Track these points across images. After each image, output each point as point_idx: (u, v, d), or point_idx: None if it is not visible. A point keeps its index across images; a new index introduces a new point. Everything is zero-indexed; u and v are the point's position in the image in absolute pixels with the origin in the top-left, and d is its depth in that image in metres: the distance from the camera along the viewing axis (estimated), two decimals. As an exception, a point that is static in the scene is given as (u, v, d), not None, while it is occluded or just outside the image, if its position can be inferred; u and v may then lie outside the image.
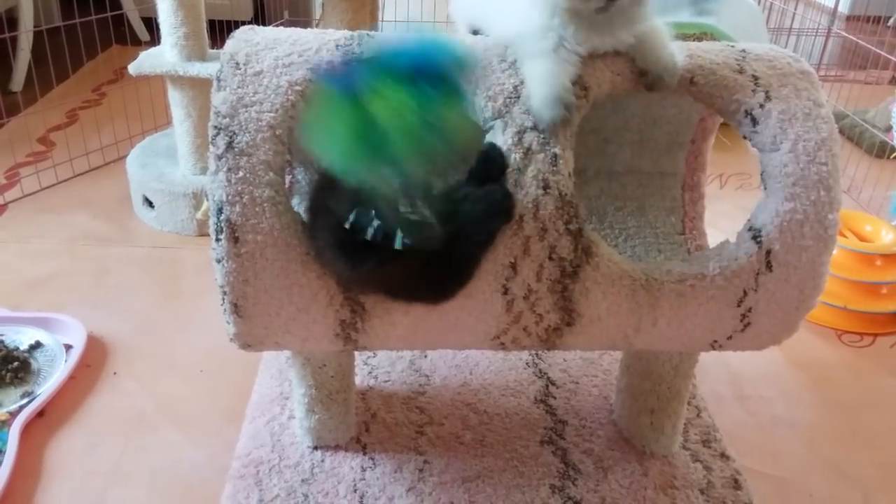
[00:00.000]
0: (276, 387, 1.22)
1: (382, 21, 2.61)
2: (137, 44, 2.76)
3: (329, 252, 0.79)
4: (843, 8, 3.27)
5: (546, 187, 0.82)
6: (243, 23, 2.79)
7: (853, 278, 1.45)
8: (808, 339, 1.44)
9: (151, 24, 1.64)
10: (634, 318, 0.88)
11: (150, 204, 1.71)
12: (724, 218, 1.56)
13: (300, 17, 2.92)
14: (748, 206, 0.89)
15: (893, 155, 1.86)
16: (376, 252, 0.73)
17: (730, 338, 0.91)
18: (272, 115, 0.83)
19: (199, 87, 1.63)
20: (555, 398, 1.23)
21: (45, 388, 1.20)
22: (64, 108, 2.28)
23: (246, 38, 0.90)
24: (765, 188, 0.87)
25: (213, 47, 1.69)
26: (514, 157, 0.83)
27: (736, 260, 0.86)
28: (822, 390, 1.32)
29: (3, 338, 1.29)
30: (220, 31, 2.36)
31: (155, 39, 1.64)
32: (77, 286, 1.50)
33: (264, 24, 2.79)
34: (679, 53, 0.86)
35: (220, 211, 0.81)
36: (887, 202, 1.74)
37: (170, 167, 1.74)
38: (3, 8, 2.39)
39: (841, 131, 2.31)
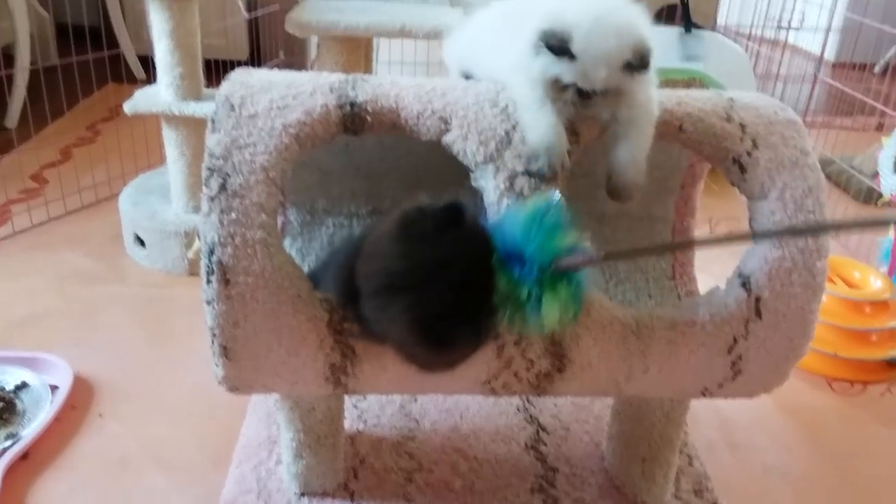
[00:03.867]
0: (265, 430, 1.21)
1: (377, 62, 2.65)
2: (133, 82, 2.78)
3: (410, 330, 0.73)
4: (830, 55, 3.33)
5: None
6: (239, 62, 2.83)
7: (843, 325, 1.45)
8: (798, 386, 1.44)
9: (148, 63, 1.65)
10: (625, 365, 0.88)
11: (142, 242, 1.70)
12: (714, 262, 1.57)
13: (295, 58, 2.96)
14: (738, 252, 0.89)
15: (880, 201, 1.88)
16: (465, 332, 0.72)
17: (721, 385, 0.91)
18: (266, 157, 0.83)
19: (194, 127, 1.64)
20: (546, 444, 1.21)
21: (30, 429, 1.18)
22: (58, 145, 2.29)
23: (241, 81, 0.90)
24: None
25: (208, 86, 1.71)
26: (506, 203, 0.83)
27: (726, 307, 0.86)
28: (813, 439, 1.31)
29: (-12, 378, 1.27)
30: (215, 70, 2.39)
31: (151, 78, 1.66)
32: (66, 325, 1.49)
33: (260, 63, 2.84)
34: (640, 171, 0.85)
35: (211, 252, 0.81)
36: (875, 248, 1.75)
37: (162, 206, 1.74)
38: (0, 45, 2.41)
39: (828, 177, 2.34)
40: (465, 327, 0.72)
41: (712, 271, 1.41)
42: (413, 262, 0.71)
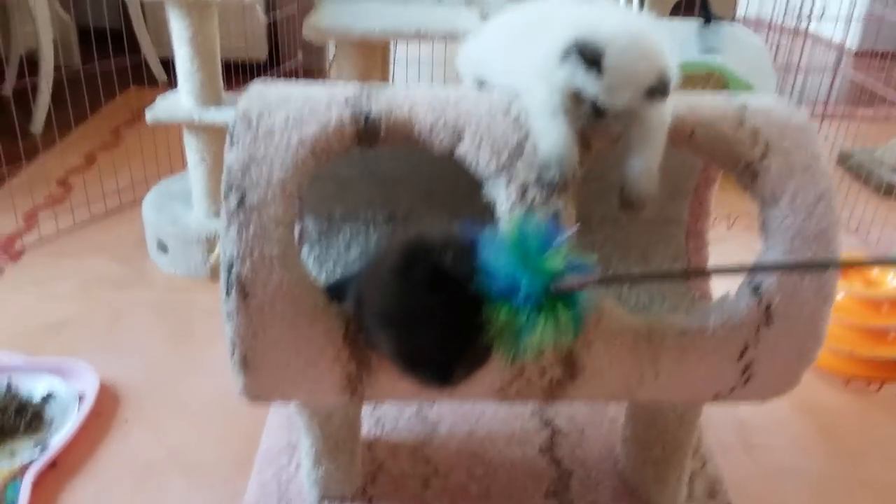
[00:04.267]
0: (285, 436, 1.23)
1: (394, 62, 2.66)
2: (155, 85, 2.82)
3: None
4: (852, 44, 3.29)
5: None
6: (258, 63, 2.84)
7: (860, 323, 1.44)
8: (814, 385, 1.43)
9: (169, 66, 1.68)
10: (637, 371, 0.89)
11: (165, 248, 1.73)
12: (731, 258, 1.57)
13: (314, 58, 2.98)
14: (756, 249, 0.90)
15: (901, 196, 1.87)
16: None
17: (732, 390, 0.92)
18: (283, 172, 0.85)
19: (214, 133, 1.66)
20: (560, 447, 1.23)
21: (58, 438, 1.21)
22: (82, 150, 2.33)
23: (258, 95, 0.92)
24: (765, 241, 0.88)
25: (228, 87, 1.73)
26: (518, 213, 0.84)
27: (736, 313, 0.86)
28: (829, 439, 1.31)
29: (17, 388, 1.31)
30: (234, 71, 2.42)
31: (172, 80, 1.68)
32: (91, 331, 1.52)
33: (278, 64, 2.86)
34: (653, 182, 0.86)
35: (230, 267, 0.83)
36: (895, 244, 1.74)
37: (184, 211, 1.77)
38: (24, 50, 2.46)
39: (849, 170, 2.32)
40: (448, 368, 0.75)
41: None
42: (407, 303, 0.74)
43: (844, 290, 1.48)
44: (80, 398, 1.30)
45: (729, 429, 1.31)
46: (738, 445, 1.28)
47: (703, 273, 1.03)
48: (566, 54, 0.80)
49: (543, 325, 0.71)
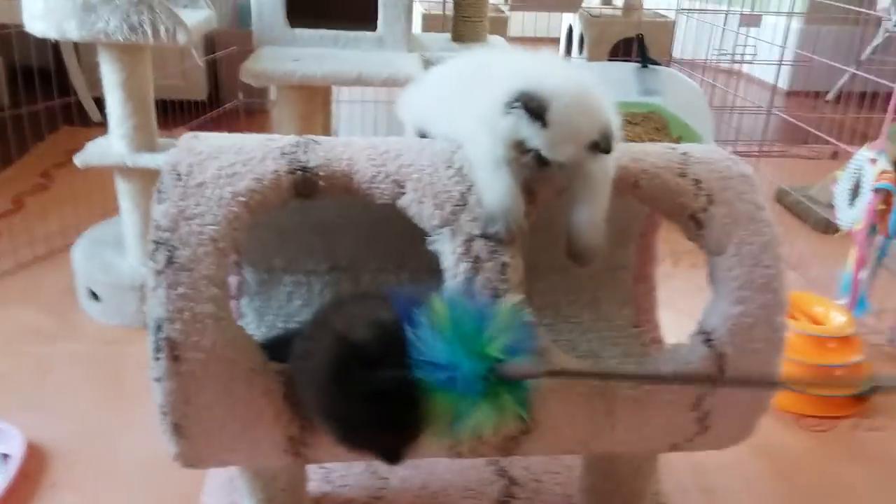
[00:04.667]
0: (226, 497, 1.16)
1: (337, 103, 2.64)
2: (88, 125, 2.73)
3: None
4: (784, 84, 3.40)
5: (496, 297, 0.81)
6: (197, 103, 2.78)
7: (808, 361, 1.45)
8: (768, 424, 1.40)
9: (103, 105, 1.62)
10: (591, 425, 0.87)
11: (96, 297, 1.65)
12: (680, 297, 1.57)
13: (255, 99, 2.93)
14: (703, 285, 0.89)
15: (838, 233, 1.91)
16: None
17: (690, 440, 0.90)
18: (215, 227, 0.81)
19: (149, 178, 1.60)
20: (517, 498, 1.19)
21: (-24, 505, 1.13)
22: (9, 194, 2.23)
23: (189, 147, 0.88)
24: (714, 290, 0.87)
25: (165, 129, 1.67)
26: (463, 266, 0.82)
27: (689, 364, 0.85)
28: (786, 480, 1.31)
29: (-68, 451, 1.22)
30: (172, 111, 2.36)
31: (106, 121, 1.62)
32: (17, 388, 1.43)
33: (219, 103, 2.80)
34: (599, 234, 0.85)
35: (158, 328, 0.78)
36: (835, 280, 1.77)
37: (117, 258, 1.70)
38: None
39: (787, 208, 2.37)
40: (393, 452, 0.74)
41: (678, 306, 1.41)
42: (342, 409, 0.73)
43: (792, 329, 1.49)
44: (6, 458, 1.22)
45: (685, 472, 1.29)
46: (695, 489, 1.26)
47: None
48: (511, 105, 0.79)
49: (484, 411, 0.68)
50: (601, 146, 0.80)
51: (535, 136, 0.79)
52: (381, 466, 1.24)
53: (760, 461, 1.34)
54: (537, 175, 0.83)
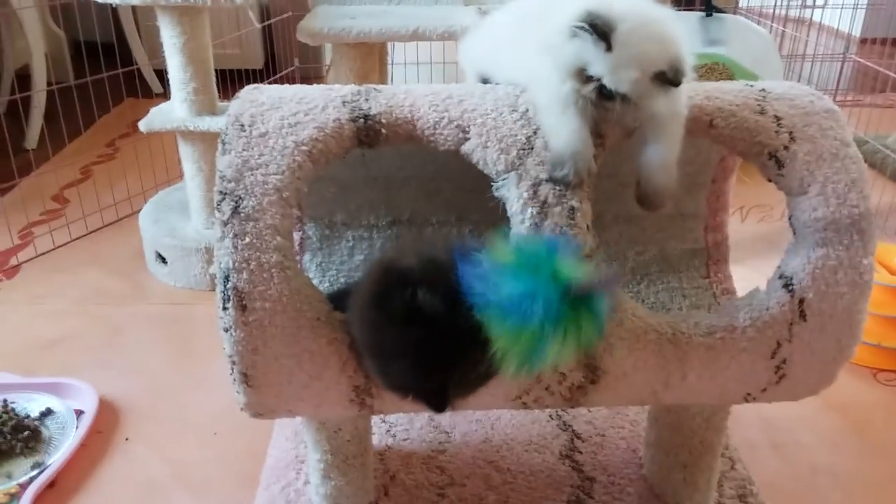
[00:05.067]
0: (292, 449, 1.18)
1: (392, 64, 2.62)
2: (150, 96, 2.78)
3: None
4: (856, 31, 3.23)
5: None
6: (254, 71, 2.80)
7: (886, 314, 1.39)
8: (843, 379, 1.35)
9: (164, 76, 1.64)
10: (662, 374, 0.84)
11: (163, 260, 1.69)
12: (747, 252, 1.52)
13: (310, 64, 2.94)
14: (772, 240, 0.85)
15: (919, 182, 1.81)
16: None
17: (764, 390, 0.87)
18: (279, 177, 0.80)
19: (210, 141, 1.62)
20: (581, 453, 1.18)
21: (56, 457, 1.17)
22: (77, 164, 2.29)
23: (251, 99, 0.88)
24: (794, 233, 0.83)
25: (224, 98, 1.68)
26: (530, 211, 0.79)
27: (768, 310, 0.81)
28: (860, 434, 1.26)
29: (13, 406, 1.26)
30: (230, 81, 2.37)
31: (168, 91, 1.64)
32: (89, 347, 1.48)
33: (275, 72, 2.82)
34: (671, 176, 0.81)
35: (226, 279, 0.78)
36: (916, 232, 1.69)
37: (182, 222, 1.73)
38: (16, 66, 2.42)
39: (863, 158, 2.27)
40: (439, 396, 0.72)
41: (749, 264, 1.36)
42: (383, 337, 0.72)
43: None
44: (79, 415, 1.26)
45: (755, 427, 1.26)
46: (765, 444, 1.23)
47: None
48: (576, 27, 0.75)
49: (564, 334, 0.66)
50: (669, 77, 0.75)
51: (597, 61, 0.75)
52: (443, 420, 1.24)
53: (833, 416, 1.30)
54: (602, 113, 0.79)
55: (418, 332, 0.69)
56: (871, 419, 1.30)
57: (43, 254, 1.82)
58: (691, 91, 0.85)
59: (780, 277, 0.82)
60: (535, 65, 0.83)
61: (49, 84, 2.30)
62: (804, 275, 0.80)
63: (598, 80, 0.76)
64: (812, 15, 2.94)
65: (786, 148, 0.83)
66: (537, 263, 0.67)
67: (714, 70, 2.19)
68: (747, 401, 0.89)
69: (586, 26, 0.74)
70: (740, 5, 2.93)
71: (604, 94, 0.77)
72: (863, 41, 3.44)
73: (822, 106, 0.86)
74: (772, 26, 2.74)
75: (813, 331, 0.81)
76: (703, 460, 1.04)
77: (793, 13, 2.99)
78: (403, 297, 0.68)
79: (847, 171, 0.81)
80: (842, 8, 2.70)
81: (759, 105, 0.85)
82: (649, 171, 0.81)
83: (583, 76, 0.77)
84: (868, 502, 1.13)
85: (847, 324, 0.81)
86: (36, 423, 1.23)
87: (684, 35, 0.78)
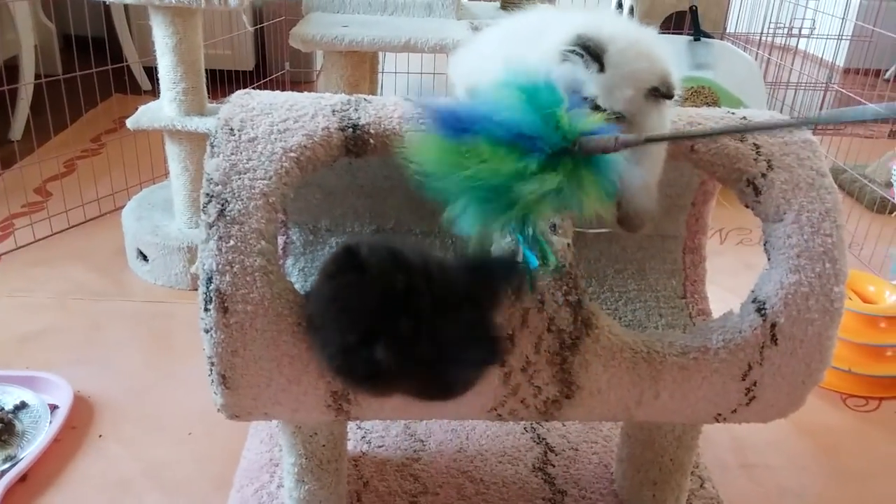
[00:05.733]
0: (266, 452, 1.18)
1: (383, 73, 2.63)
2: (138, 93, 2.77)
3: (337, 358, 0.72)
4: (840, 61, 3.29)
5: (544, 258, 0.80)
6: (245, 73, 2.80)
7: (857, 341, 1.42)
8: (812, 403, 1.39)
9: (153, 74, 1.64)
10: (636, 391, 0.85)
11: (145, 257, 1.69)
12: (725, 275, 1.54)
13: (301, 69, 2.94)
14: (749, 262, 0.87)
15: (894, 213, 1.85)
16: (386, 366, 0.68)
17: (734, 411, 0.89)
18: (265, 182, 0.81)
19: (197, 142, 1.62)
20: (553, 466, 1.19)
21: (29, 451, 1.16)
22: (62, 157, 2.28)
23: (241, 103, 0.88)
24: (769, 258, 0.85)
25: (214, 98, 1.69)
26: (512, 226, 0.81)
27: (740, 333, 0.83)
28: (828, 458, 1.28)
29: (-13, 399, 1.26)
30: (221, 81, 2.38)
31: (156, 89, 1.65)
32: (67, 342, 1.47)
33: (266, 74, 2.82)
34: (652, 198, 0.82)
35: (209, 280, 0.79)
36: (889, 260, 1.72)
37: (165, 220, 1.73)
38: (4, 57, 2.40)
39: (840, 186, 2.30)
40: (370, 360, 0.68)
41: (723, 284, 1.38)
42: (318, 297, 0.74)
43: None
44: (53, 410, 1.25)
45: (726, 447, 1.28)
46: (735, 465, 1.25)
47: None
48: (567, 50, 0.77)
49: (570, 188, 0.65)
50: (661, 92, 0.77)
51: (591, 83, 0.76)
52: (418, 428, 1.25)
53: (803, 439, 1.32)
54: None
55: (350, 278, 0.68)
56: (839, 443, 1.32)
57: (23, 246, 1.81)
58: (675, 115, 0.87)
59: (754, 301, 0.84)
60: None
61: (37, 76, 2.29)
62: (777, 300, 0.82)
63: (593, 100, 0.78)
64: (798, 43, 2.99)
65: (763, 175, 0.85)
66: (546, 109, 0.66)
67: (700, 93, 2.22)
68: (718, 421, 0.91)
69: (578, 49, 0.76)
70: (727, 31, 2.97)
71: (598, 112, 0.78)
72: (846, 71, 3.51)
73: (800, 136, 0.88)
74: (757, 53, 2.79)
75: (784, 355, 0.83)
76: (673, 478, 1.05)
77: (779, 41, 3.04)
78: (346, 258, 0.70)
79: (822, 201, 0.83)
80: (826, 38, 2.75)
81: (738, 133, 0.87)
82: (631, 193, 0.82)
83: (577, 96, 0.78)
84: (833, 525, 1.15)
85: (817, 349, 0.83)
86: (10, 416, 1.23)
87: (671, 53, 0.80)
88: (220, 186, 0.80)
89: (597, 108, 0.77)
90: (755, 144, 0.87)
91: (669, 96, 0.78)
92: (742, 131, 0.85)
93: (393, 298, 0.68)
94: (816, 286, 0.81)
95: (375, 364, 0.67)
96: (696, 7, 2.42)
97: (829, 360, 0.85)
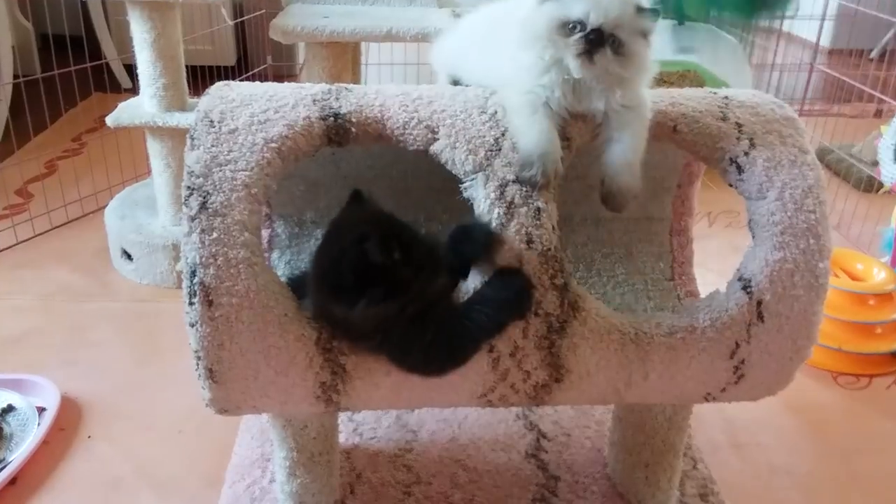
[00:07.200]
0: (258, 448, 1.18)
1: (367, 64, 2.61)
2: (118, 91, 2.75)
3: (332, 281, 0.77)
4: (825, 42, 3.30)
5: (530, 242, 0.80)
6: (226, 68, 2.77)
7: (847, 319, 1.43)
8: (803, 381, 1.41)
9: (132, 72, 1.62)
10: (625, 373, 0.85)
11: (129, 256, 1.67)
12: (713, 257, 1.54)
13: (283, 62, 2.92)
14: (738, 245, 0.87)
15: (881, 190, 1.86)
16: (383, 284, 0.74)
17: (723, 390, 0.89)
18: (247, 173, 0.81)
19: (179, 138, 1.61)
20: (546, 452, 1.19)
21: (17, 454, 1.15)
22: (42, 158, 2.25)
23: (221, 95, 0.87)
24: (753, 236, 0.85)
25: (195, 94, 1.67)
26: (497, 212, 0.80)
27: (727, 311, 0.83)
28: (819, 435, 1.29)
29: (-27, 402, 1.24)
30: (202, 77, 2.35)
31: (136, 87, 1.63)
32: (52, 344, 1.46)
33: (247, 69, 2.80)
34: (635, 175, 0.83)
35: (193, 274, 0.78)
36: (877, 238, 1.73)
37: (149, 218, 1.71)
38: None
39: (828, 166, 2.31)
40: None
41: (712, 266, 1.39)
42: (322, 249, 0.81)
43: (831, 286, 1.46)
44: (41, 412, 1.24)
45: (717, 427, 1.28)
46: (727, 445, 1.25)
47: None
48: None
49: None
50: (647, 7, 0.78)
51: (576, 5, 0.77)
52: (410, 418, 1.25)
53: (793, 417, 1.32)
54: (589, 65, 0.79)
55: (355, 209, 0.80)
56: (829, 421, 1.33)
57: (5, 249, 1.79)
58: (656, 96, 0.87)
59: (739, 279, 0.84)
60: (506, 67, 0.84)
61: (15, 76, 2.27)
62: (762, 277, 0.82)
63: (583, 26, 0.78)
64: (782, 25, 2.99)
65: (746, 154, 0.85)
66: None
67: (685, 77, 2.21)
68: (707, 400, 0.91)
69: None
70: (711, 14, 2.97)
71: (591, 41, 0.78)
72: (831, 52, 3.51)
73: (782, 114, 0.88)
74: (742, 35, 2.78)
75: (770, 332, 0.83)
76: (665, 459, 1.06)
77: (763, 23, 3.04)
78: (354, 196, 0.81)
79: (804, 178, 0.83)
80: (810, 19, 2.75)
81: (721, 112, 0.87)
82: (613, 170, 0.83)
83: (565, 30, 0.78)
84: (825, 502, 1.15)
85: (803, 325, 0.83)
86: (-4, 419, 1.22)
87: None
88: (201, 179, 0.80)
89: (588, 35, 0.78)
90: (737, 123, 0.86)
91: (655, 12, 0.79)
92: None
93: (391, 240, 0.75)
94: (801, 262, 0.82)
95: (373, 300, 0.74)
96: (679, -10, 2.41)
97: (815, 336, 0.85)
